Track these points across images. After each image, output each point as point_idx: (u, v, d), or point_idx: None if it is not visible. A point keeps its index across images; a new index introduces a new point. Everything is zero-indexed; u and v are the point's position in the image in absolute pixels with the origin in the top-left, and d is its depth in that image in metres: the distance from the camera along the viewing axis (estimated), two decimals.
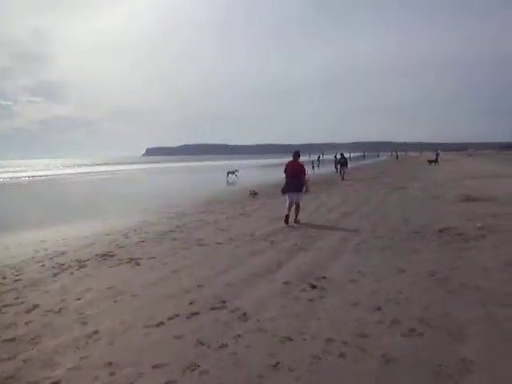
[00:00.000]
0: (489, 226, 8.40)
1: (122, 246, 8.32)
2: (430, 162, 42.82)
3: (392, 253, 6.86)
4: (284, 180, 10.29)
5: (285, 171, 10.22)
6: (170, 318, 4.47)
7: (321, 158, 52.85)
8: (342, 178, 23.10)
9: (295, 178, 9.92)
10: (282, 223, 9.75)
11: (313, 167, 35.79)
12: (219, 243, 8.16)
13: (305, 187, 10.03)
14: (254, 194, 15.96)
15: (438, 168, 35.77)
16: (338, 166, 24.65)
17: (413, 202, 13.30)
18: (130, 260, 7.14)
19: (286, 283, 5.52)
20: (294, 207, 9.92)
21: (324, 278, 5.68)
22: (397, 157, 75.78)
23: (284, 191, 10.13)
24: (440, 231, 8.26)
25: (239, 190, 20.27)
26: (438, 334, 3.84)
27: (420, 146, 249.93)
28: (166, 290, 5.44)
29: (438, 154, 46.76)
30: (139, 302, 5.08)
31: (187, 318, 4.48)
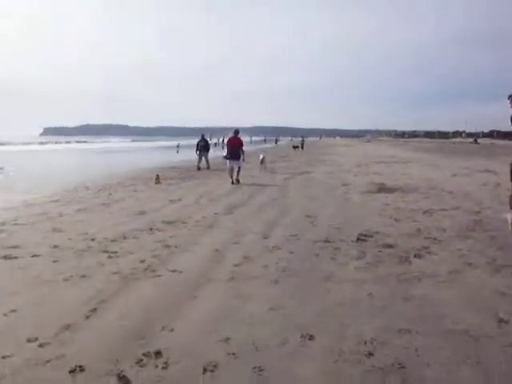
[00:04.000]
0: (427, 230, 5.87)
1: None
2: (295, 147, 41.31)
3: (292, 288, 3.82)
4: (227, 150, 12.99)
5: (227, 144, 13.18)
6: None
7: (220, 141, 50.47)
8: (198, 168, 17.88)
9: (235, 149, 12.56)
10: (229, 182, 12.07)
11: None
12: (36, 255, 4.87)
13: (242, 156, 12.73)
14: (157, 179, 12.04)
15: (342, 153, 34.52)
16: (198, 153, 18.35)
17: (319, 190, 10.59)
18: None
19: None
20: (236, 170, 12.47)
21: (158, 353, 2.63)
22: (276, 141, 71.71)
23: (227, 158, 12.76)
24: (360, 239, 5.49)
25: (125, 173, 16.21)
26: None
27: (319, 132, 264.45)
28: None
29: (303, 141, 45.16)
30: None
31: None
